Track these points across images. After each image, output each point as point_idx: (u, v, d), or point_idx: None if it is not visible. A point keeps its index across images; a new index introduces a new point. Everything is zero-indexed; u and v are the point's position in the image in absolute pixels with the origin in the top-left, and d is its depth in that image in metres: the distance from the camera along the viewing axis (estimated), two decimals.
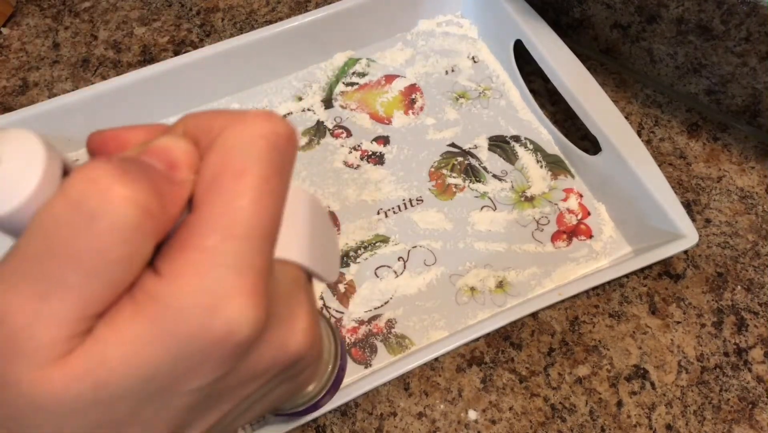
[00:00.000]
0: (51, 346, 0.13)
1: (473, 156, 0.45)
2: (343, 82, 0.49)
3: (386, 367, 0.35)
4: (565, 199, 0.43)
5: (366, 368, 0.37)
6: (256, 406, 0.19)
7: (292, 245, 0.17)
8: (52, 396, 0.13)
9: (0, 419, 0.14)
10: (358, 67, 0.49)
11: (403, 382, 0.37)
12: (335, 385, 0.30)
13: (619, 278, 0.40)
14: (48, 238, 0.13)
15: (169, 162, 0.15)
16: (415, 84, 0.49)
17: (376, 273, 0.40)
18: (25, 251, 0.14)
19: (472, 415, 0.36)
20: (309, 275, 0.19)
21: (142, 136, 0.17)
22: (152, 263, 0.15)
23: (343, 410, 0.36)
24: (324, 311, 0.39)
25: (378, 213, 0.43)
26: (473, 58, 0.50)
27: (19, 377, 0.13)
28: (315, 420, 0.36)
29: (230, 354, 0.15)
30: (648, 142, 0.46)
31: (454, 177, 0.44)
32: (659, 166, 0.39)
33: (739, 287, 0.40)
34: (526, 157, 0.45)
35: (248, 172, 0.15)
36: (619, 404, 0.36)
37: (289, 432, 0.33)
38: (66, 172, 0.15)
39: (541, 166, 0.44)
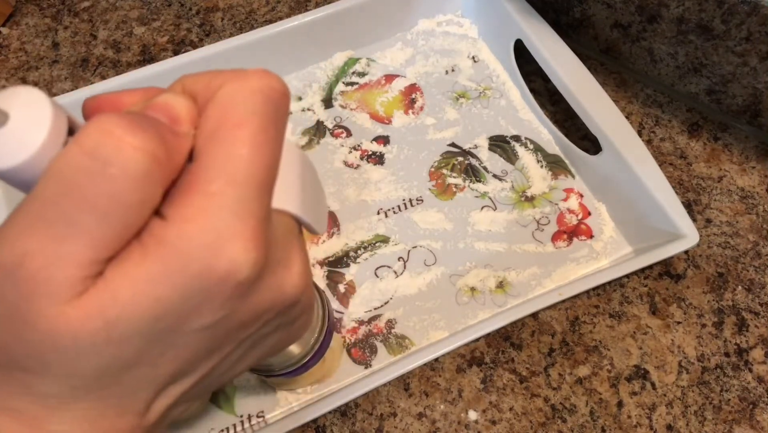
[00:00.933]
0: (67, 286, 0.14)
1: (473, 156, 0.45)
2: (343, 82, 0.49)
3: (386, 367, 0.35)
4: (565, 199, 0.43)
5: (366, 368, 0.37)
6: (252, 353, 0.19)
7: (287, 196, 0.18)
8: (67, 334, 0.14)
9: (19, 358, 0.15)
10: (358, 67, 0.49)
11: (403, 382, 0.37)
12: (323, 346, 0.31)
13: (620, 278, 0.39)
14: (64, 184, 0.14)
15: (172, 117, 0.16)
16: (415, 84, 0.48)
17: (376, 273, 0.40)
18: (41, 196, 0.14)
19: (473, 415, 0.36)
20: (300, 226, 0.19)
21: (138, 99, 0.18)
22: (158, 210, 0.16)
23: (343, 411, 0.36)
24: None
25: (378, 213, 0.43)
26: (473, 57, 0.50)
27: (37, 316, 0.14)
28: (315, 421, 0.36)
29: (232, 294, 0.16)
30: (648, 142, 0.45)
31: (454, 177, 0.44)
32: (660, 166, 0.39)
33: (739, 287, 0.40)
34: (526, 157, 0.45)
35: (247, 123, 0.16)
36: (620, 404, 0.36)
37: (289, 432, 0.33)
38: (71, 129, 0.16)
39: (542, 166, 0.44)
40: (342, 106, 0.48)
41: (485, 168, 0.44)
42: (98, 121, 0.14)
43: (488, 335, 0.38)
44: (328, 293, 0.40)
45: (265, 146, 0.16)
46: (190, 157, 0.16)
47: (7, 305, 0.14)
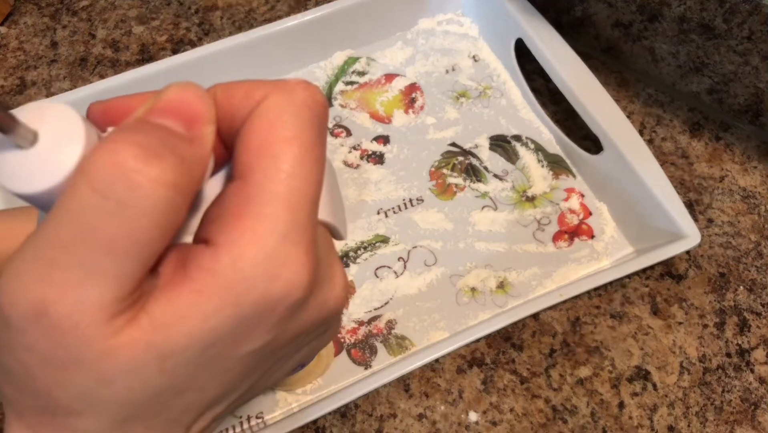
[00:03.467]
0: (97, 329, 0.13)
1: (474, 155, 0.45)
2: (343, 81, 0.48)
3: (386, 368, 0.35)
4: (566, 199, 0.43)
5: (366, 369, 0.37)
6: (286, 365, 0.19)
7: (323, 205, 0.18)
8: (119, 370, 0.14)
9: (64, 402, 0.14)
10: (357, 66, 0.49)
11: (404, 383, 0.37)
12: None
13: (621, 279, 0.39)
14: (77, 225, 0.13)
15: (188, 117, 0.15)
16: (415, 83, 0.48)
17: (376, 273, 0.40)
18: (52, 239, 0.13)
19: (473, 416, 0.36)
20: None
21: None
22: (197, 233, 0.15)
23: (343, 412, 0.36)
24: None
25: (378, 213, 0.42)
26: (474, 57, 0.50)
27: (80, 361, 0.14)
28: (315, 421, 0.36)
29: (283, 316, 0.15)
30: (650, 142, 0.45)
31: (454, 177, 0.44)
32: (661, 165, 0.39)
33: (741, 287, 0.40)
34: (527, 156, 0.45)
35: (297, 140, 0.15)
36: (621, 405, 0.36)
37: (289, 432, 0.33)
38: None
39: (543, 166, 0.44)
40: (342, 106, 0.47)
41: (486, 168, 0.44)
42: (108, 152, 0.13)
43: (489, 335, 0.38)
44: None
45: (315, 164, 0.15)
46: (217, 154, 0.15)
47: (41, 353, 0.14)
